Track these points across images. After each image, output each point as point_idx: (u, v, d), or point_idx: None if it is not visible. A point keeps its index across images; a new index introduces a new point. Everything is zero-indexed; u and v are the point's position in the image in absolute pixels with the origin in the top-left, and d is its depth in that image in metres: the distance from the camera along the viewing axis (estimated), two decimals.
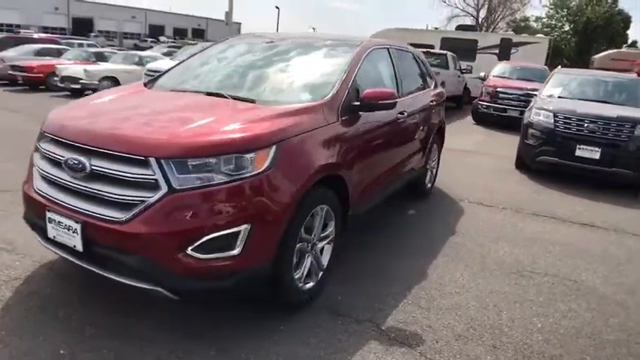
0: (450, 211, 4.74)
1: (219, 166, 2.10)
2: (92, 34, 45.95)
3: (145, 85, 3.30)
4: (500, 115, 11.07)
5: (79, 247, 2.19)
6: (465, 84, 15.47)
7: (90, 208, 2.15)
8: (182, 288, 2.11)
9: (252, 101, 2.74)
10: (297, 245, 2.44)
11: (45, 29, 43.87)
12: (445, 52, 14.34)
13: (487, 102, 11.50)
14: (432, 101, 4.61)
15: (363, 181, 3.14)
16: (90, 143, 2.21)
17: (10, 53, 13.39)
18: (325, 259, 2.81)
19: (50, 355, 2.12)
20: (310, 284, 2.67)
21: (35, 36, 21.33)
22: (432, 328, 2.57)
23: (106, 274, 2.18)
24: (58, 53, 14.13)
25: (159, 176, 2.05)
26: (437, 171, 5.41)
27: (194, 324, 2.44)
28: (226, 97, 2.78)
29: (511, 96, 10.95)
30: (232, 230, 2.09)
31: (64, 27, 51.25)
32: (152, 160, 2.06)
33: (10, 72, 12.25)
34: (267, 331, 2.41)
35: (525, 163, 6.67)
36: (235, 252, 2.12)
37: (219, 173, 2.10)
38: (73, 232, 2.18)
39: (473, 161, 7.43)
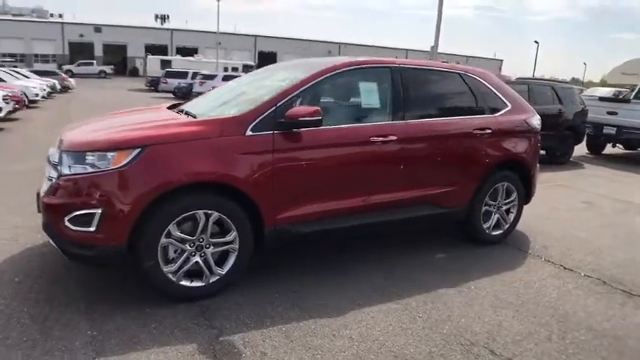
0: (494, 264, 3.85)
1: (93, 161, 2.65)
2: None
3: (172, 106, 4.07)
4: None
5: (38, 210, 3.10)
6: None
7: (43, 186, 3.02)
8: (65, 250, 2.73)
9: (194, 116, 3.19)
10: (165, 240, 2.71)
11: None
12: None
13: None
14: (480, 129, 3.89)
15: (297, 200, 3.10)
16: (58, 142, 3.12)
17: None
18: (226, 267, 2.94)
19: (8, 278, 3.07)
20: (198, 284, 2.88)
21: None
22: (266, 356, 2.40)
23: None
24: None
25: (59, 164, 2.75)
26: (516, 218, 4.43)
27: (102, 288, 3.02)
28: (180, 114, 3.34)
29: None
30: (89, 211, 2.59)
31: None
32: (58, 152, 2.79)
33: None
34: (132, 309, 2.75)
35: None
36: (92, 229, 2.60)
37: (91, 166, 2.65)
38: (37, 200, 3.10)
39: (622, 217, 5.59)
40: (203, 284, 2.89)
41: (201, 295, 2.90)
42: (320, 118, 2.92)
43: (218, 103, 3.61)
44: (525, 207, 4.80)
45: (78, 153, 2.72)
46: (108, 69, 45.22)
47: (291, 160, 3.04)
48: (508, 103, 4.23)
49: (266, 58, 58.42)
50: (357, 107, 3.52)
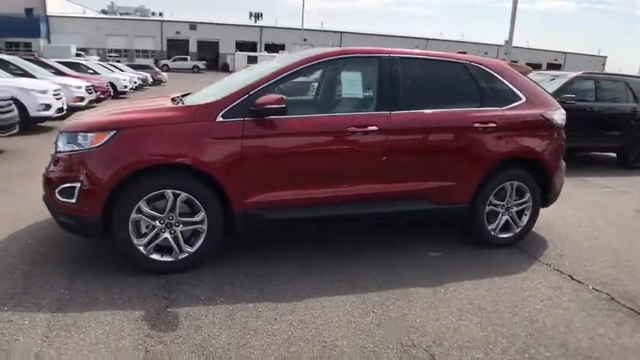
0: (491, 267, 3.61)
1: (79, 141, 2.98)
2: None
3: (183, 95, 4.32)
4: None
5: None
6: None
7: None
8: (56, 218, 3.11)
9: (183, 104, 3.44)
10: (135, 215, 2.96)
11: None
12: None
13: None
14: (482, 123, 3.64)
15: (268, 186, 3.19)
16: None
17: None
18: (196, 245, 3.14)
19: (24, 241, 3.55)
20: (168, 259, 3.11)
21: None
22: (200, 329, 2.53)
23: None
24: None
25: (57, 142, 3.13)
26: (530, 221, 4.09)
27: (95, 257, 3.38)
28: (176, 100, 3.58)
29: None
30: (71, 185, 2.93)
31: None
32: (58, 133, 3.17)
33: None
34: (108, 276, 3.05)
35: None
36: (73, 201, 2.94)
37: (77, 145, 2.98)
38: None
39: None
40: (173, 260, 3.11)
41: (171, 270, 3.12)
42: (284, 106, 2.98)
43: (214, 91, 3.79)
44: (561, 212, 4.42)
45: (69, 133, 3.08)
46: (201, 64, 48.51)
47: (260, 147, 3.13)
48: (522, 96, 3.90)
49: None
50: (338, 97, 3.51)
